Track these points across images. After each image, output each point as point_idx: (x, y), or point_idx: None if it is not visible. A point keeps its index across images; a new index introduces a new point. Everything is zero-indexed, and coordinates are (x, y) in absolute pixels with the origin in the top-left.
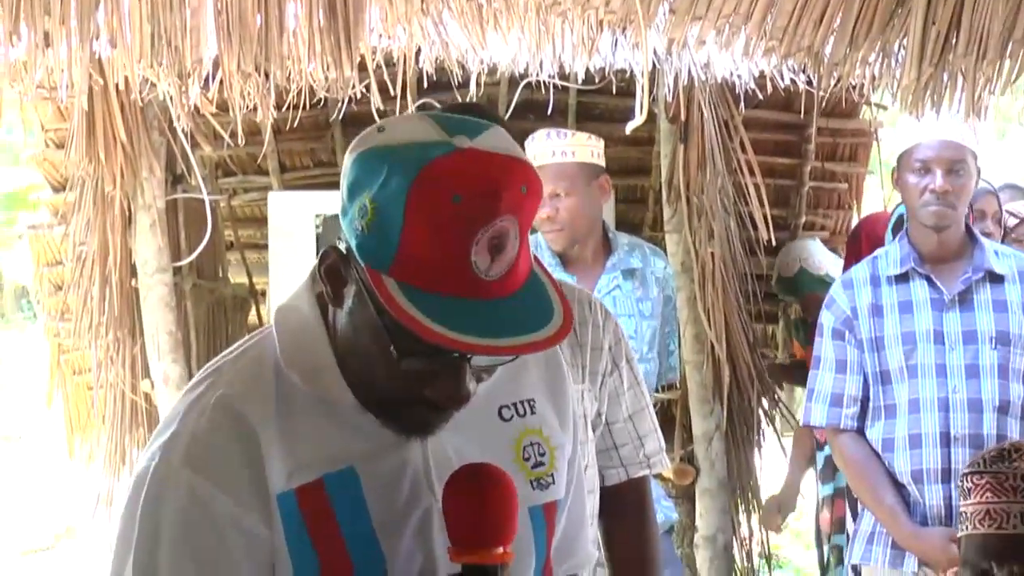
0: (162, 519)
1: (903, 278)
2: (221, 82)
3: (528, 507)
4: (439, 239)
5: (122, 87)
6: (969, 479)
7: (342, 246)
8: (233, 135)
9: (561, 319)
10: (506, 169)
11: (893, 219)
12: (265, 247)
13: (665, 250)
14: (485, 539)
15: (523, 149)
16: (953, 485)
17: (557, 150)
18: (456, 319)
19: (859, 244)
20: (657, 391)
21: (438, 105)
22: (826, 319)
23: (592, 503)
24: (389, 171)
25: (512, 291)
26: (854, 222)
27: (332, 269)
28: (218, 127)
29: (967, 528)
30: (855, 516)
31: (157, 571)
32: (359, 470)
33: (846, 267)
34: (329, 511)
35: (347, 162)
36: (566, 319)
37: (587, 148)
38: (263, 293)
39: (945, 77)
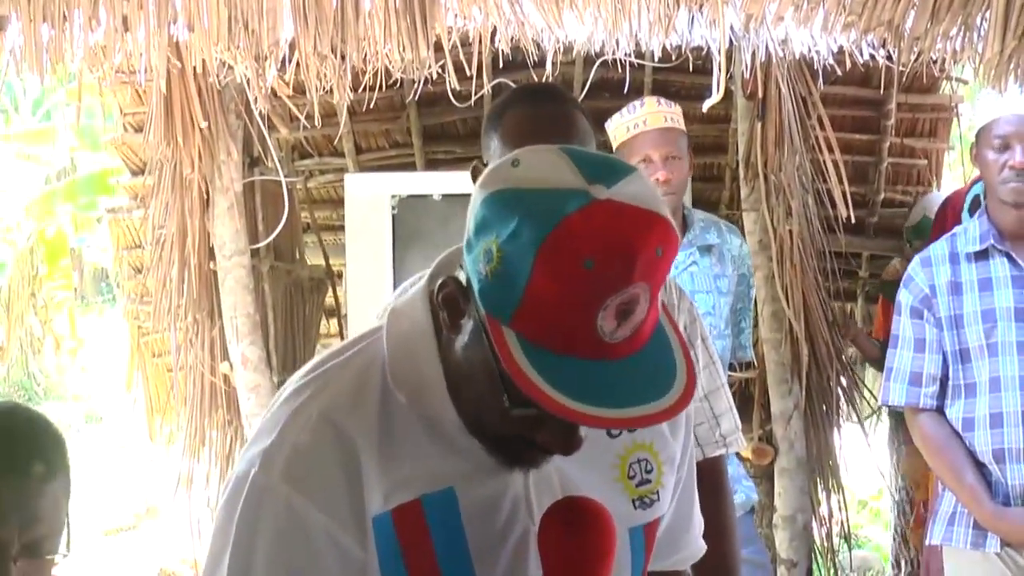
0: (259, 530)
1: (982, 255)
2: (297, 64)
3: (628, 528)
4: (566, 302)
5: (199, 70)
6: None
7: (462, 276)
8: (309, 117)
9: (684, 383)
10: (642, 229)
11: (970, 197)
12: (341, 228)
13: (742, 228)
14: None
15: (604, 130)
16: None
17: (667, 115)
18: (574, 383)
19: (945, 220)
20: (733, 369)
21: (512, 84)
22: (904, 297)
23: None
24: (520, 221)
25: (635, 351)
26: None
27: (450, 299)
28: (294, 109)
29: None
30: None
31: None
32: (458, 491)
33: (930, 242)
34: (425, 532)
35: (476, 197)
36: (689, 382)
37: (679, 115)
38: (340, 275)
39: None
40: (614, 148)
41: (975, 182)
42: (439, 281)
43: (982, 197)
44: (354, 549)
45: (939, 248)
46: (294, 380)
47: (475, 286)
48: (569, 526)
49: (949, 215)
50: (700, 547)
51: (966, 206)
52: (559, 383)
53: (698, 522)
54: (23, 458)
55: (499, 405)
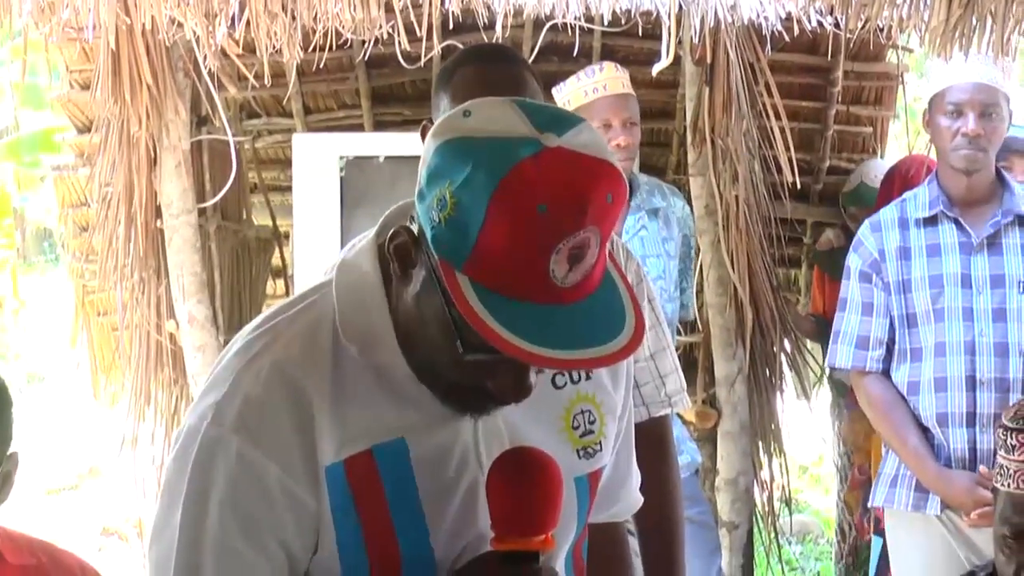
0: (211, 481)
1: (931, 221)
2: (247, 23)
3: (573, 477)
4: (519, 246)
5: (148, 27)
6: (1013, 435)
7: (413, 226)
8: (258, 76)
9: (632, 328)
10: (594, 175)
11: None
12: (289, 189)
13: (688, 193)
14: (528, 528)
15: (552, 96)
16: (978, 429)
17: (624, 81)
18: (526, 326)
19: (891, 187)
20: (679, 333)
21: (461, 46)
22: (853, 261)
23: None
24: (474, 167)
25: (585, 295)
26: None
27: (402, 248)
28: (243, 68)
29: (1008, 485)
30: None
31: (204, 531)
32: (409, 441)
33: (876, 210)
34: (377, 482)
35: (429, 145)
36: (637, 328)
37: (630, 82)
38: (287, 235)
39: (974, 19)
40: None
41: None
42: (390, 232)
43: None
44: (307, 499)
45: (888, 213)
46: (243, 334)
47: (428, 234)
48: (517, 473)
49: (896, 182)
50: (637, 499)
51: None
52: (512, 326)
53: (635, 475)
54: None
55: (452, 352)
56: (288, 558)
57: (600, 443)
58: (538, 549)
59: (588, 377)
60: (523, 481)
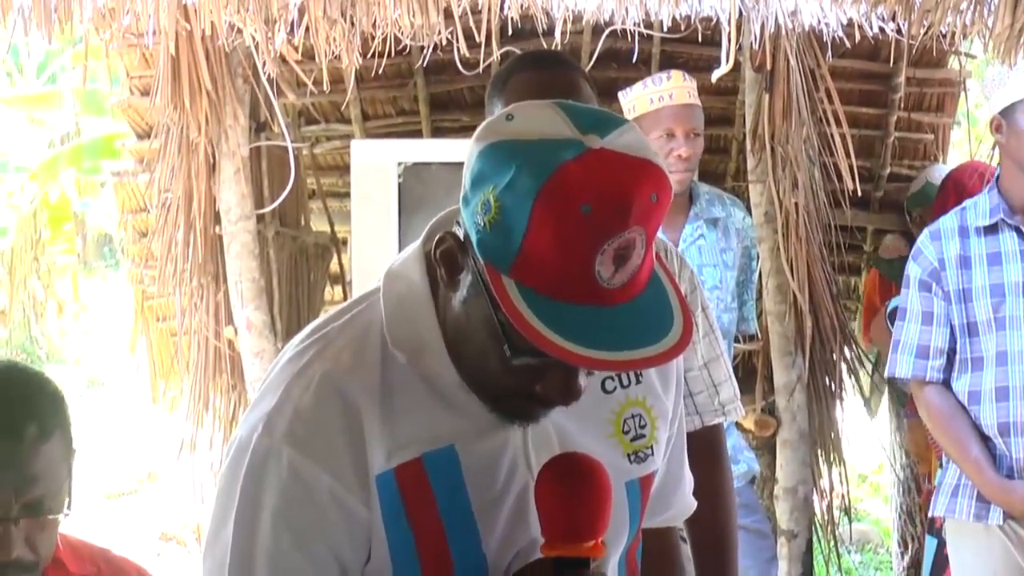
0: (263, 492)
1: (992, 229)
2: (306, 29)
3: (624, 482)
4: (564, 247)
5: (208, 33)
6: None
7: (459, 232)
8: (317, 83)
9: (681, 328)
10: (638, 176)
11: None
12: (347, 195)
13: (748, 200)
14: (578, 534)
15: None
16: None
17: (691, 91)
18: (574, 328)
19: (947, 195)
20: (738, 341)
21: (519, 53)
22: (912, 270)
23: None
24: (517, 170)
25: (632, 297)
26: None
27: (448, 254)
28: (302, 75)
29: None
30: None
31: (256, 542)
32: (459, 449)
33: (934, 218)
34: (428, 490)
35: (472, 151)
36: (686, 328)
37: (697, 92)
38: (344, 241)
39: None
40: (631, 118)
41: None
42: (436, 238)
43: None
44: (358, 508)
45: (948, 221)
46: (293, 344)
47: (473, 238)
48: (565, 480)
49: (951, 189)
50: (691, 504)
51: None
52: (560, 329)
53: (688, 480)
54: (16, 420)
55: (500, 357)
56: (341, 567)
57: (651, 447)
58: (588, 555)
59: (638, 381)
60: (571, 487)
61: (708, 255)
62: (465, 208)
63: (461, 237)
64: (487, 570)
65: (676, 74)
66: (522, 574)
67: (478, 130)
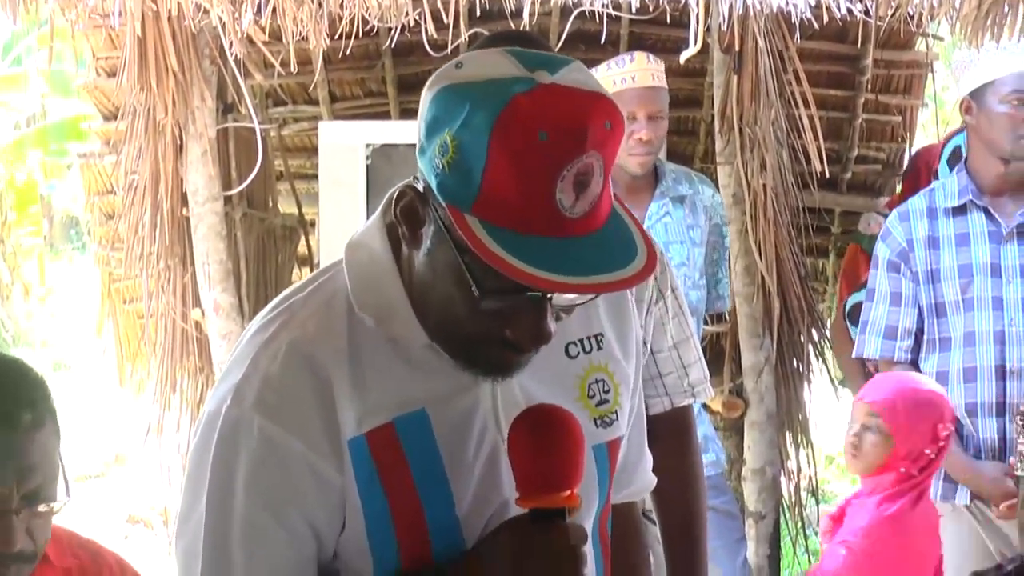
0: (235, 463)
1: (960, 210)
2: (274, 9)
3: (592, 445)
4: (524, 176)
5: (174, 14)
6: None
7: (419, 185)
8: (284, 64)
9: (645, 256)
10: (590, 104)
11: (948, 149)
12: (315, 177)
13: (716, 182)
14: (552, 483)
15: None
16: (1008, 419)
17: (655, 73)
18: (540, 258)
19: (917, 175)
20: (707, 322)
21: (486, 34)
22: (881, 251)
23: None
24: (471, 108)
25: (596, 228)
26: (907, 155)
27: (409, 208)
28: (269, 56)
29: None
30: None
31: (231, 511)
32: (430, 412)
33: (903, 199)
34: (400, 454)
35: (425, 99)
36: (650, 256)
37: (663, 73)
38: (312, 223)
39: (1006, 6)
40: None
41: (953, 135)
42: (396, 194)
43: (963, 148)
44: (332, 474)
45: (917, 202)
46: (258, 318)
47: (433, 184)
48: (537, 429)
49: (922, 169)
50: (651, 480)
51: (944, 158)
52: (526, 258)
53: (647, 456)
54: (10, 409)
55: (469, 302)
56: (315, 534)
57: (616, 412)
58: (564, 505)
59: (600, 347)
60: (544, 436)
61: (674, 232)
62: (422, 157)
63: (420, 189)
64: (461, 532)
65: (639, 56)
66: (499, 532)
67: (430, 80)
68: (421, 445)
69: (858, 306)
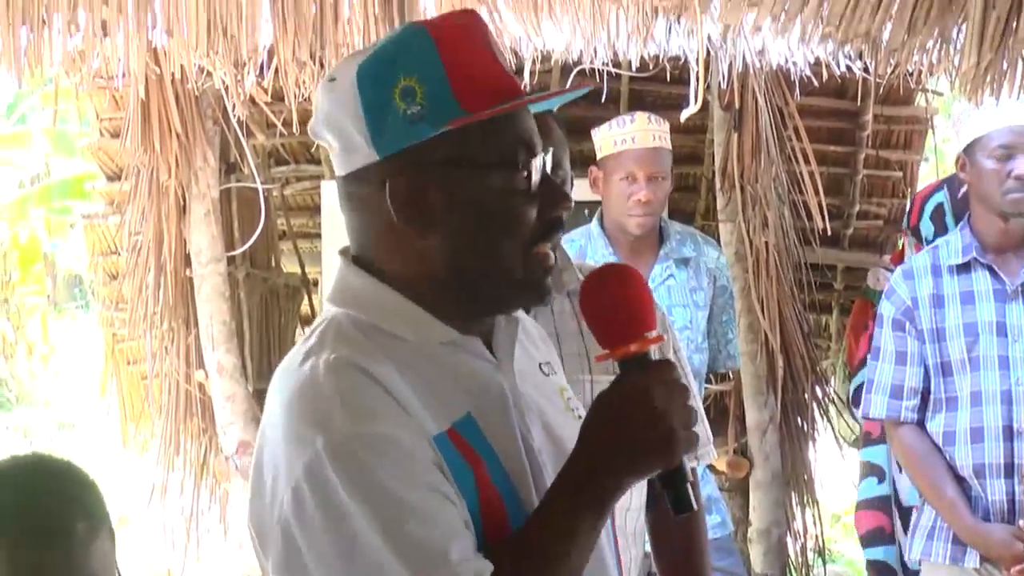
0: (367, 476)
1: (965, 268)
2: (276, 71)
3: None
4: (474, 56)
5: (178, 76)
6: None
7: (391, 176)
8: (287, 124)
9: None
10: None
11: (930, 206)
12: (317, 236)
13: (717, 239)
14: (635, 324)
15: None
16: (1016, 480)
17: (656, 134)
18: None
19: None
20: (710, 381)
21: None
22: (886, 309)
23: (640, 493)
24: (404, 52)
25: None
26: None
27: (402, 189)
28: (272, 116)
29: None
30: (905, 525)
31: (394, 514)
32: (475, 415)
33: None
34: (474, 453)
35: (350, 100)
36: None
37: (667, 134)
38: (315, 282)
39: (1005, 63)
40: (598, 158)
41: (931, 192)
42: (388, 188)
43: (945, 206)
44: (440, 465)
45: (921, 260)
46: (282, 379)
47: (421, 132)
48: (607, 279)
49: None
50: None
51: (927, 215)
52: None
53: None
54: (65, 522)
55: (513, 201)
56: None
57: None
58: (651, 346)
59: (555, 372)
60: (615, 283)
61: (678, 295)
62: (383, 133)
63: (408, 172)
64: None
65: (641, 116)
66: (602, 399)
67: (325, 90)
68: (481, 445)
69: (861, 388)
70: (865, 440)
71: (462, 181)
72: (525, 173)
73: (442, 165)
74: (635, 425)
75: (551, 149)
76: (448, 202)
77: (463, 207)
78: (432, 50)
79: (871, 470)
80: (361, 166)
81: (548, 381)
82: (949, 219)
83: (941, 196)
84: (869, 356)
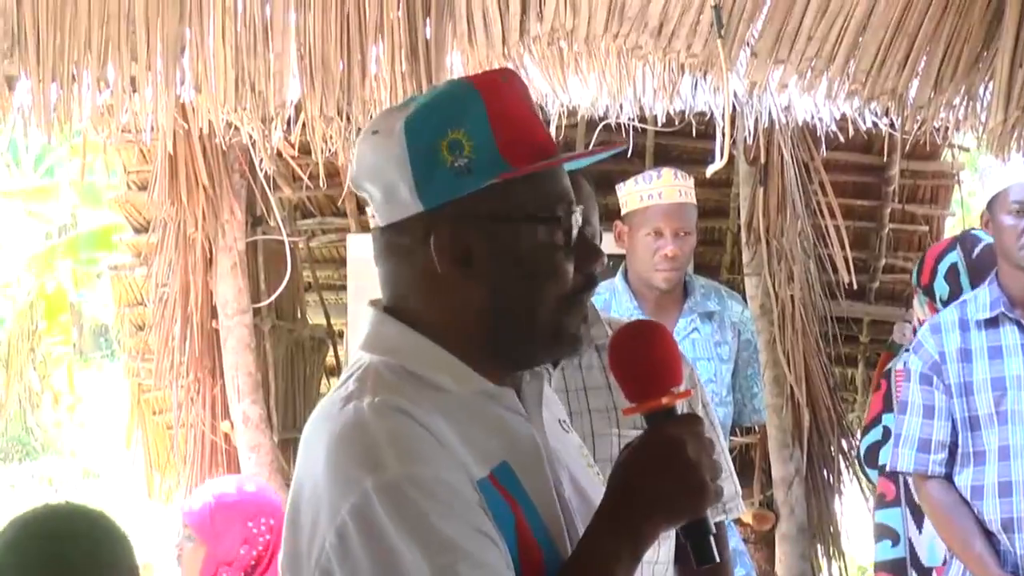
0: (417, 514)
1: (992, 322)
2: (303, 126)
3: None
4: (519, 109)
5: (206, 132)
6: None
7: (435, 231)
8: (313, 177)
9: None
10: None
11: (944, 265)
12: (343, 288)
13: (743, 293)
14: (661, 379)
15: (607, 192)
16: None
17: (683, 189)
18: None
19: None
20: (735, 434)
21: None
22: (914, 364)
23: (668, 547)
24: (449, 105)
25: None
26: None
27: (447, 241)
28: (298, 169)
29: None
30: None
31: (441, 541)
32: (510, 463)
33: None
34: (512, 499)
35: (396, 144)
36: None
37: (692, 189)
38: (341, 334)
39: None
40: (623, 213)
41: (947, 249)
42: (433, 242)
43: (959, 266)
44: (484, 508)
45: (949, 315)
46: (321, 423)
47: (467, 184)
48: (638, 336)
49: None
50: None
51: (940, 275)
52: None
53: None
54: (90, 571)
55: (552, 254)
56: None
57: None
58: (677, 401)
59: (571, 430)
60: (644, 339)
61: (702, 349)
62: (429, 185)
63: (439, 225)
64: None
65: (667, 172)
66: (627, 453)
67: (366, 147)
68: (517, 493)
69: (874, 447)
70: (879, 502)
71: (506, 234)
72: (565, 228)
73: (487, 218)
74: (670, 473)
75: (581, 205)
76: (491, 254)
77: (506, 259)
78: (479, 105)
79: (886, 532)
80: (404, 217)
81: (568, 437)
82: (964, 279)
83: (955, 256)
84: (896, 410)
